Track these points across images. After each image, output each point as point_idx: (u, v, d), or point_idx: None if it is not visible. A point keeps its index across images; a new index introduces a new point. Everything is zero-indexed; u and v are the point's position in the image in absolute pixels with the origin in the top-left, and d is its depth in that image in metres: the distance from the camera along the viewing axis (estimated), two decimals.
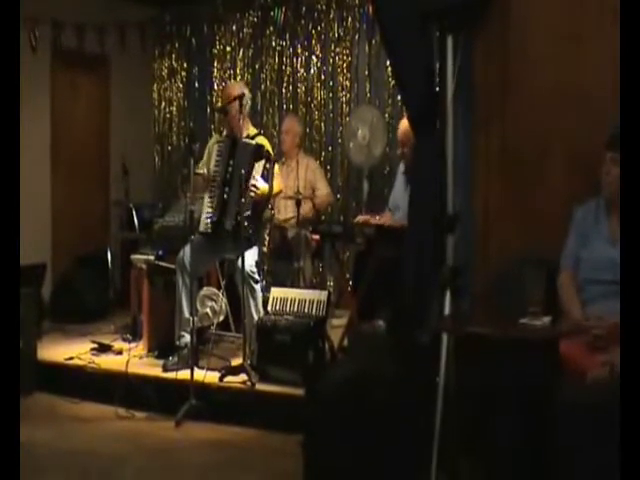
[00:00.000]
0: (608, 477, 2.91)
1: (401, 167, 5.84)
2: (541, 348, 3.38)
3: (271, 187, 5.59)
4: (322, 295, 5.47)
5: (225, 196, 5.54)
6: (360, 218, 5.80)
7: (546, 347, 3.39)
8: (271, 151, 5.76)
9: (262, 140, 5.81)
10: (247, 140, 5.70)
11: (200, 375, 5.14)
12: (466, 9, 4.12)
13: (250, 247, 5.58)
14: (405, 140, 5.40)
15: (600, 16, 4.00)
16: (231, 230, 5.46)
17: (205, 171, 5.72)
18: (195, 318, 5.41)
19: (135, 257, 6.38)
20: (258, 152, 5.54)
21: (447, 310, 3.89)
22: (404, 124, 5.37)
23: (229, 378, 5.20)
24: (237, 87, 6.04)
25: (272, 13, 8.36)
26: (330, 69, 8.09)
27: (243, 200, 5.33)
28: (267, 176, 5.57)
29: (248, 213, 5.42)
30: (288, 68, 8.32)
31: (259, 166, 5.52)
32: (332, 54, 8.07)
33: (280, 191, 6.08)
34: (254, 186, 5.46)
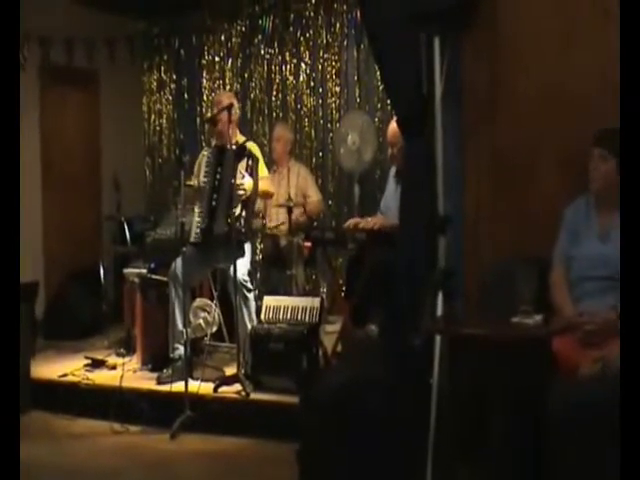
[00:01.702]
0: (604, 475, 2.90)
1: (392, 170, 5.81)
2: (534, 346, 3.36)
3: (256, 183, 5.54)
4: (315, 302, 5.45)
5: (213, 203, 5.51)
6: (351, 221, 5.76)
7: (539, 345, 3.36)
8: (259, 155, 5.73)
9: (252, 146, 5.79)
10: (235, 148, 5.68)
11: (194, 386, 5.10)
12: (454, 11, 4.11)
13: (243, 255, 5.54)
14: (394, 141, 5.37)
15: (590, 16, 4.01)
16: (222, 235, 5.41)
17: (196, 182, 5.68)
18: (188, 329, 5.37)
19: (128, 271, 6.36)
20: (239, 153, 5.50)
21: (440, 312, 3.86)
22: (393, 125, 5.34)
23: (224, 388, 5.16)
24: (226, 97, 6.03)
25: (260, 21, 8.35)
26: (319, 75, 8.07)
27: (233, 210, 5.29)
28: (251, 173, 5.53)
29: (238, 212, 5.39)
30: (277, 76, 8.30)
31: (242, 165, 5.48)
32: (321, 60, 8.06)
33: (271, 194, 6.05)
34: (241, 184, 5.43)
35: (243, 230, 5.43)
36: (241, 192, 5.44)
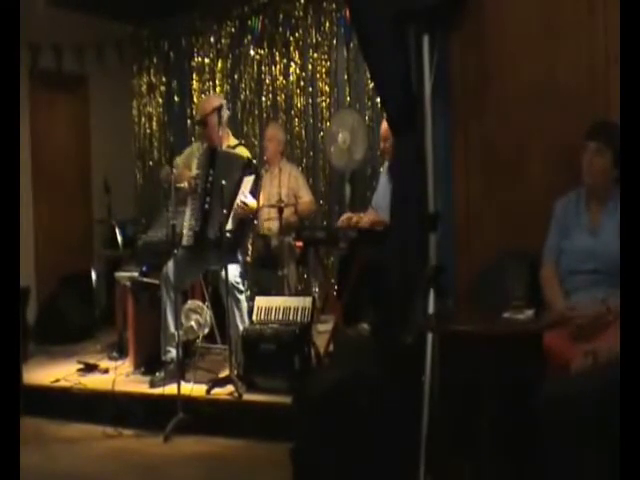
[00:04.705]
0: (597, 469, 2.89)
1: (385, 165, 5.81)
2: (525, 342, 3.34)
3: (258, 202, 5.56)
4: (306, 301, 5.43)
5: (206, 206, 5.48)
6: (344, 216, 5.75)
7: (530, 340, 3.35)
8: (248, 154, 5.72)
9: (243, 150, 5.77)
10: (227, 150, 5.66)
11: (187, 389, 5.08)
12: (441, 8, 4.11)
13: (234, 262, 5.53)
14: (387, 135, 5.37)
15: (575, 7, 3.99)
16: (214, 240, 5.39)
17: (185, 184, 5.63)
18: (180, 332, 5.35)
19: (119, 274, 6.33)
20: (248, 167, 5.49)
21: (431, 309, 3.85)
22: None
23: (216, 390, 5.14)
24: (214, 99, 6.01)
25: (249, 22, 8.34)
26: (309, 75, 8.06)
27: (225, 211, 5.27)
28: (254, 192, 5.53)
29: (230, 227, 5.36)
30: (267, 76, 8.29)
31: (248, 182, 5.46)
32: (310, 60, 8.04)
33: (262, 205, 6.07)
34: (243, 203, 5.41)
35: (236, 247, 5.45)
36: (240, 211, 5.42)
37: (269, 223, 6.75)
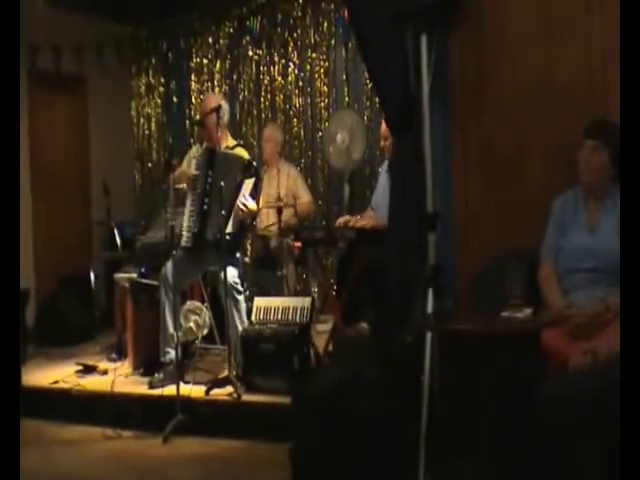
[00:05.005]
0: (597, 468, 2.89)
1: (385, 164, 5.80)
2: (524, 340, 3.34)
3: (258, 204, 5.56)
4: (306, 301, 5.41)
5: (205, 207, 5.47)
6: (341, 220, 5.74)
7: (529, 339, 3.34)
8: (247, 155, 5.72)
9: (241, 151, 5.76)
10: (226, 151, 5.66)
11: (186, 390, 5.07)
12: (439, 8, 4.11)
13: (234, 264, 5.53)
14: (387, 134, 5.36)
15: (573, 6, 3.99)
16: (213, 241, 5.39)
17: (184, 185, 5.63)
18: (179, 333, 5.35)
19: (118, 276, 6.33)
20: (248, 169, 5.48)
21: (430, 308, 3.84)
22: None
23: (215, 391, 5.13)
24: (214, 99, 5.99)
25: (248, 23, 8.34)
26: (307, 75, 8.06)
27: (224, 212, 5.26)
28: (255, 194, 5.53)
29: (231, 230, 5.37)
30: (265, 77, 8.30)
31: (248, 184, 5.46)
32: (309, 60, 8.05)
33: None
34: (244, 205, 5.40)
35: (235, 248, 5.48)
36: (240, 213, 5.42)
37: (268, 223, 6.74)
